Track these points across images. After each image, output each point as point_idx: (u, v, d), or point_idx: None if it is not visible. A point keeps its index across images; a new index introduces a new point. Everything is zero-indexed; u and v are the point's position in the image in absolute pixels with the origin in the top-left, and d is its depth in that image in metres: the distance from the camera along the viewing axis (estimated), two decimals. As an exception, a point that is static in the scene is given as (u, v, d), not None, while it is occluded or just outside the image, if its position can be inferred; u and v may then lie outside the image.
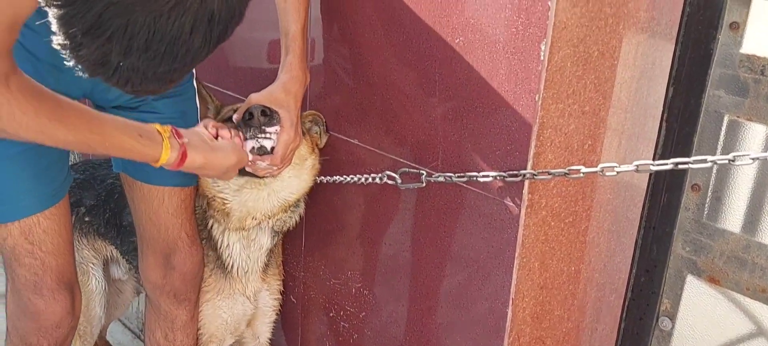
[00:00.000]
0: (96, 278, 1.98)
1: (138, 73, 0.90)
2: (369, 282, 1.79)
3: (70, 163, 1.65)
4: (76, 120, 1.09)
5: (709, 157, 1.07)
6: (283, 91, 1.48)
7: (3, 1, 0.93)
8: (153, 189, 1.57)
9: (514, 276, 1.43)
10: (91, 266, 1.96)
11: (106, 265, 2.04)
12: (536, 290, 1.50)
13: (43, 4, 0.86)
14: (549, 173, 1.29)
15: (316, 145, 1.68)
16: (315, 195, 1.86)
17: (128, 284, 2.16)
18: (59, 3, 0.83)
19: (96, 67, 0.89)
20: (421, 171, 1.49)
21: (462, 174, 1.40)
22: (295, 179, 1.60)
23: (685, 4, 1.40)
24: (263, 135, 1.43)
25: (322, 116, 1.71)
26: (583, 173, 1.23)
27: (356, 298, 1.83)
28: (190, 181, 1.60)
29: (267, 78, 1.91)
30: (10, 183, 1.39)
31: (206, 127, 1.38)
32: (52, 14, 0.85)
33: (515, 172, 1.34)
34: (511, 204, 1.40)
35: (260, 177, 1.51)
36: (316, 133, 1.69)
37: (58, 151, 1.46)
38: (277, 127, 1.44)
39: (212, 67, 2.10)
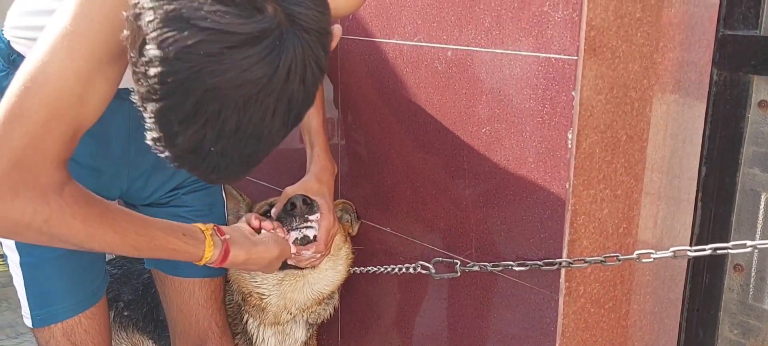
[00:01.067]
0: (135, 372, 2.00)
1: (226, 157, 0.94)
2: (406, 373, 1.76)
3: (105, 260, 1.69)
4: (125, 224, 1.12)
5: (749, 243, 1.05)
6: (316, 181, 1.52)
7: (67, 115, 0.98)
8: (184, 282, 1.59)
9: (555, 366, 1.39)
10: (131, 361, 1.98)
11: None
12: (579, 380, 1.46)
13: (138, 104, 0.92)
14: (585, 262, 1.28)
15: (349, 233, 1.70)
16: (350, 285, 1.86)
17: (166, 379, 2.16)
18: (158, 97, 0.88)
19: (188, 154, 0.93)
20: (456, 260, 1.48)
21: (497, 263, 1.39)
22: (331, 270, 1.61)
23: (711, 83, 1.41)
24: (306, 224, 1.45)
25: (352, 204, 1.73)
26: (620, 260, 1.21)
27: (394, 390, 1.80)
28: (219, 272, 1.63)
29: (288, 166, 1.96)
30: (52, 286, 1.43)
31: (249, 222, 1.40)
32: (150, 109, 0.90)
33: (551, 260, 1.32)
34: (549, 293, 1.37)
35: (302, 269, 1.52)
36: (347, 221, 1.71)
37: (94, 254, 1.50)
38: (318, 215, 1.46)
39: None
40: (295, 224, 1.44)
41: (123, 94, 1.38)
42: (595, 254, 1.38)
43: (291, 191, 1.49)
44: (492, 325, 1.51)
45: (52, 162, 0.99)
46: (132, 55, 0.90)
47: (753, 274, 1.42)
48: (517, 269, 1.34)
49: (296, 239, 1.45)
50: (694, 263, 1.50)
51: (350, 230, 1.71)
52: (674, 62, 1.42)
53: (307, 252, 1.46)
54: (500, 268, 1.37)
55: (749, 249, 1.05)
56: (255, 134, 0.92)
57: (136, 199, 1.54)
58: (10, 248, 1.41)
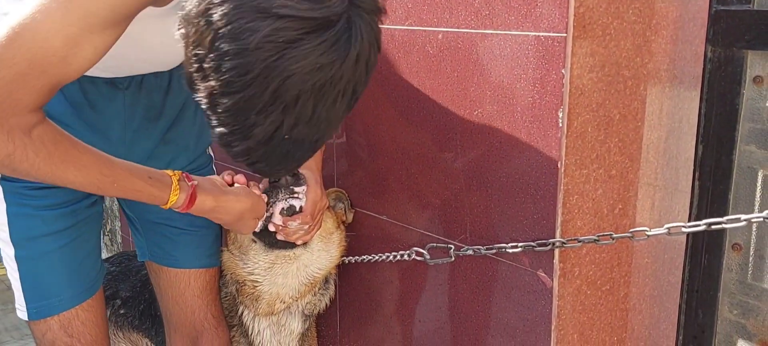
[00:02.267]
0: (132, 370, 2.00)
1: (298, 143, 0.97)
2: (405, 361, 1.75)
3: (104, 256, 1.70)
4: (89, 162, 1.12)
5: (743, 216, 1.03)
6: None
7: (48, 72, 0.98)
8: (179, 273, 1.59)
9: (553, 349, 1.38)
10: (127, 359, 1.98)
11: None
12: (577, 363, 1.44)
13: (204, 103, 0.94)
14: (578, 241, 1.26)
15: (343, 221, 1.69)
16: (348, 275, 1.85)
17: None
18: (235, 89, 0.89)
19: (262, 145, 0.95)
20: (450, 245, 1.47)
21: (490, 246, 1.38)
22: (323, 253, 1.59)
23: (705, 60, 1.39)
24: (292, 196, 1.44)
25: (345, 193, 1.72)
26: (614, 239, 1.19)
27: (394, 378, 1.79)
28: (215, 262, 1.62)
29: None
30: (49, 278, 1.43)
31: (222, 177, 1.41)
32: (224, 104, 0.91)
33: (544, 241, 1.31)
34: (543, 274, 1.36)
35: (291, 247, 1.50)
36: (341, 209, 1.70)
37: (92, 244, 1.50)
38: (304, 187, 1.46)
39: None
40: (281, 195, 1.43)
41: (118, 83, 1.39)
42: (590, 234, 1.36)
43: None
44: (489, 310, 1.50)
45: (24, 109, 1.00)
46: (198, 52, 0.90)
47: (752, 253, 1.40)
48: (510, 250, 1.33)
49: (282, 209, 1.44)
50: (693, 244, 1.48)
51: (344, 218, 1.70)
52: (668, 40, 1.41)
53: (294, 223, 1.45)
54: (494, 250, 1.36)
55: (743, 223, 1.03)
56: (327, 119, 0.94)
57: None
58: (4, 241, 1.41)
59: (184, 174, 1.28)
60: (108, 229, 3.30)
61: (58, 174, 1.09)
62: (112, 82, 1.39)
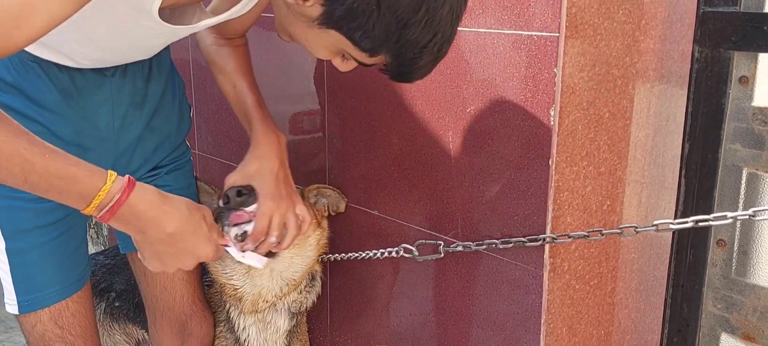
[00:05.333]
0: (128, 363, 2.00)
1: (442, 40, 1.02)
2: (396, 355, 1.77)
3: (93, 250, 1.69)
4: (15, 132, 0.97)
5: (730, 213, 1.06)
6: (256, 161, 1.40)
7: (3, 29, 0.89)
8: None
9: (542, 343, 1.41)
10: (122, 351, 1.98)
11: (138, 350, 2.06)
12: (565, 356, 1.47)
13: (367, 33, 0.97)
14: (569, 236, 1.29)
15: (332, 214, 1.67)
16: (338, 270, 1.87)
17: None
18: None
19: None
20: (439, 242, 1.49)
21: (480, 242, 1.40)
22: (297, 258, 1.52)
23: (693, 60, 1.42)
24: (244, 220, 1.33)
25: (330, 187, 1.70)
26: (603, 235, 1.22)
27: (384, 371, 1.81)
28: None
29: (288, 151, 1.96)
30: (39, 271, 1.43)
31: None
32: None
33: (535, 236, 1.34)
34: (534, 269, 1.39)
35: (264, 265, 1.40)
36: (324, 205, 1.66)
37: (81, 235, 1.49)
38: (255, 206, 1.33)
39: (234, 145, 2.16)
40: (230, 219, 1.33)
41: (105, 71, 1.38)
42: (579, 230, 1.39)
43: (229, 180, 1.38)
44: (480, 304, 1.52)
45: None
46: None
47: (736, 249, 1.44)
48: (501, 246, 1.35)
49: (236, 235, 1.33)
50: (678, 240, 1.51)
51: (325, 214, 1.65)
52: (656, 40, 1.43)
53: (249, 247, 1.34)
54: (483, 246, 1.38)
55: (729, 220, 1.06)
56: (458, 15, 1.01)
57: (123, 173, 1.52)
58: None
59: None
60: (94, 221, 3.29)
61: None
62: (99, 70, 1.38)
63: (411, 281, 1.68)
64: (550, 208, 1.32)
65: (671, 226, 1.16)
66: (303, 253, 1.53)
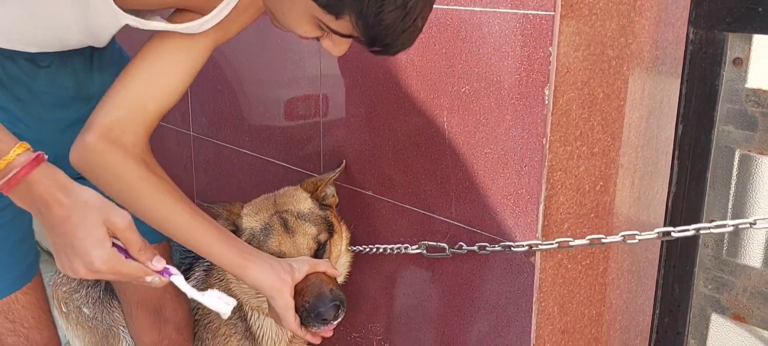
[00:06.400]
0: (126, 341, 2.00)
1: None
2: (389, 334, 1.78)
3: None
4: None
5: (730, 222, 1.07)
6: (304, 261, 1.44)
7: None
8: None
9: (534, 321, 1.42)
10: (121, 328, 1.98)
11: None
12: (557, 335, 1.48)
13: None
14: (570, 246, 1.28)
15: (336, 203, 1.65)
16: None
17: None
18: None
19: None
20: (444, 244, 1.49)
21: (483, 246, 1.40)
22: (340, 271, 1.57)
23: (687, 42, 1.42)
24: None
25: (330, 172, 1.68)
26: (604, 243, 1.23)
27: (377, 351, 1.82)
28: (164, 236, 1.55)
29: (282, 135, 1.96)
30: None
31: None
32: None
33: (548, 242, 1.32)
34: (526, 248, 1.39)
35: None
36: (333, 193, 1.66)
37: (27, 224, 1.41)
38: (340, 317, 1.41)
39: (229, 126, 2.16)
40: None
41: (39, 60, 1.31)
42: (573, 210, 1.40)
43: (308, 275, 1.39)
44: (472, 283, 1.53)
45: None
46: None
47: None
48: (514, 249, 1.34)
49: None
50: (671, 221, 1.53)
51: (336, 202, 1.65)
52: (651, 21, 1.43)
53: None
54: (488, 252, 1.38)
55: (730, 229, 1.07)
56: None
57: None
58: None
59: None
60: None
61: None
62: (32, 59, 1.30)
63: (404, 261, 1.69)
64: (544, 187, 1.33)
65: (673, 233, 1.15)
66: (343, 265, 1.57)
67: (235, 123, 2.13)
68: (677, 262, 1.53)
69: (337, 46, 1.09)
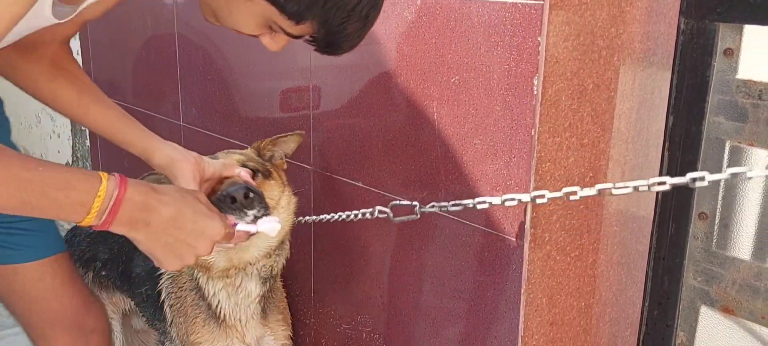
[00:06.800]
0: (116, 333, 2.00)
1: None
2: (379, 326, 1.77)
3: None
4: (7, 156, 0.90)
5: (708, 176, 1.06)
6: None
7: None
8: (42, 263, 1.45)
9: (522, 313, 1.41)
10: (111, 321, 1.98)
11: (126, 318, 2.06)
12: (546, 327, 1.48)
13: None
14: (545, 197, 1.24)
15: (283, 170, 1.57)
16: (323, 237, 1.87)
17: (151, 335, 2.17)
18: None
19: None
20: (414, 203, 1.45)
21: (457, 203, 1.34)
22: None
23: (678, 32, 1.41)
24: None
25: (281, 134, 1.58)
26: (579, 196, 1.19)
27: (367, 343, 1.82)
28: (64, 245, 1.53)
29: (273, 125, 1.95)
30: None
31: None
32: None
33: (511, 196, 1.28)
34: (515, 240, 1.39)
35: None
36: (281, 156, 1.57)
37: None
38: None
39: (219, 117, 2.14)
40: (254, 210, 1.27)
41: None
42: (561, 201, 1.39)
43: (225, 169, 1.34)
44: (462, 275, 1.52)
45: None
46: None
47: (717, 222, 1.44)
48: (478, 206, 1.29)
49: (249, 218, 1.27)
50: (660, 213, 1.52)
51: (284, 167, 1.58)
52: (642, 11, 1.42)
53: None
54: (460, 207, 1.32)
55: (706, 183, 1.06)
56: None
57: None
58: None
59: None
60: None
61: None
62: None
63: (394, 251, 1.68)
64: (532, 178, 1.32)
65: (651, 187, 1.13)
66: (279, 217, 1.45)
67: (226, 114, 2.12)
68: (667, 254, 1.52)
69: (277, 44, 1.08)
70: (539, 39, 1.26)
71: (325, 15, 0.97)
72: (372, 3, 1.01)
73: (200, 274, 1.54)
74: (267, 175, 1.48)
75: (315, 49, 1.06)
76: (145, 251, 1.06)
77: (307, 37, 1.04)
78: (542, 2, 1.24)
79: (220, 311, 1.55)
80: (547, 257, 1.41)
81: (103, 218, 0.97)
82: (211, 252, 1.10)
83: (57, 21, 1.03)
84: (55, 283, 1.49)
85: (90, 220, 0.97)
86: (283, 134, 1.56)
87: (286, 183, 1.53)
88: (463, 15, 1.37)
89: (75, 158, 3.34)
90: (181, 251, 1.06)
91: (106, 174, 0.99)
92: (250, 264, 1.49)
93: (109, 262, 1.92)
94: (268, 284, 1.55)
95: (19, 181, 0.90)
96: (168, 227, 1.03)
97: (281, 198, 1.49)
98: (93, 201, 0.95)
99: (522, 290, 1.39)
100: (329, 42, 1.03)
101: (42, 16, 0.99)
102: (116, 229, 1.00)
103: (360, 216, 1.47)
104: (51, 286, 1.49)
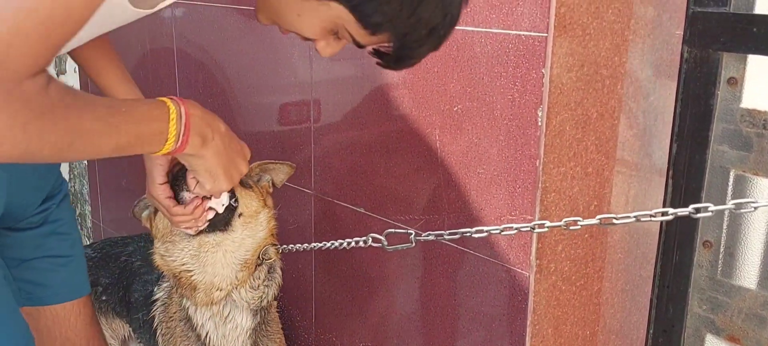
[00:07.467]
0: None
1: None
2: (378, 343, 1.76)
3: (87, 243, 1.59)
4: (95, 103, 0.85)
5: (712, 207, 1.05)
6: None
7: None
8: (73, 304, 1.41)
9: (528, 343, 1.40)
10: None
11: (124, 345, 2.03)
12: (551, 357, 1.47)
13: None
14: (545, 226, 1.23)
15: (268, 194, 1.53)
16: (325, 266, 1.85)
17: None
18: None
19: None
20: (409, 231, 1.44)
21: (453, 232, 1.32)
22: (248, 239, 1.44)
23: (682, 60, 1.41)
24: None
25: (272, 161, 1.56)
26: (580, 226, 1.18)
27: (369, 370, 1.80)
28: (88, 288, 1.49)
29: (272, 139, 1.94)
30: None
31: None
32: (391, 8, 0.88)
33: (509, 225, 1.27)
34: (520, 270, 1.38)
35: (212, 231, 1.36)
36: (268, 181, 1.55)
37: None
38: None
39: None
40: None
41: None
42: (567, 231, 1.38)
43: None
44: (465, 303, 1.51)
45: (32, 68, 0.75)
46: None
47: (722, 250, 1.43)
48: (475, 235, 1.27)
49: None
50: (665, 241, 1.51)
51: (269, 191, 1.54)
52: (645, 40, 1.42)
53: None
54: (457, 236, 1.30)
55: (711, 213, 1.05)
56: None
57: (13, 219, 1.27)
58: None
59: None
60: (78, 213, 3.24)
61: (77, 128, 0.80)
62: None
63: (398, 280, 1.67)
64: (537, 209, 1.31)
65: (652, 218, 1.13)
66: (253, 232, 1.44)
67: (226, 121, 2.11)
68: (671, 281, 1.51)
69: (332, 49, 1.01)
70: (543, 70, 1.25)
71: (404, 30, 0.92)
72: (450, 23, 0.95)
73: (189, 303, 1.51)
74: (247, 186, 1.46)
75: (377, 61, 1.00)
76: (208, 170, 1.06)
77: (373, 48, 0.98)
78: (546, 34, 1.24)
79: (208, 343, 1.52)
80: (552, 288, 1.40)
81: (180, 140, 0.96)
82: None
83: (141, 11, 0.97)
84: (78, 324, 1.43)
85: (169, 146, 0.95)
86: (272, 161, 1.53)
87: (268, 204, 1.49)
88: (466, 45, 1.36)
89: (72, 176, 3.33)
90: (229, 166, 1.08)
91: (163, 98, 0.97)
92: (234, 286, 1.46)
93: (110, 287, 1.91)
94: (259, 316, 1.52)
95: (110, 127, 0.86)
96: (223, 140, 1.05)
97: (260, 213, 1.45)
98: (168, 127, 0.93)
99: (528, 322, 1.38)
100: (400, 56, 0.97)
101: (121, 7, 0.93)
102: (190, 149, 0.99)
103: (353, 244, 1.44)
104: (74, 326, 1.43)
